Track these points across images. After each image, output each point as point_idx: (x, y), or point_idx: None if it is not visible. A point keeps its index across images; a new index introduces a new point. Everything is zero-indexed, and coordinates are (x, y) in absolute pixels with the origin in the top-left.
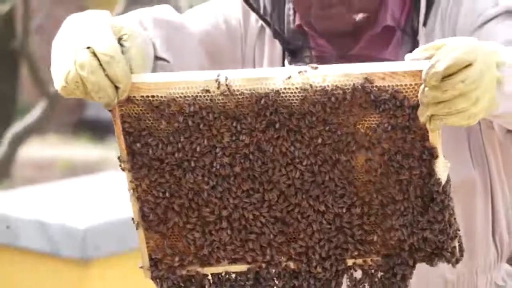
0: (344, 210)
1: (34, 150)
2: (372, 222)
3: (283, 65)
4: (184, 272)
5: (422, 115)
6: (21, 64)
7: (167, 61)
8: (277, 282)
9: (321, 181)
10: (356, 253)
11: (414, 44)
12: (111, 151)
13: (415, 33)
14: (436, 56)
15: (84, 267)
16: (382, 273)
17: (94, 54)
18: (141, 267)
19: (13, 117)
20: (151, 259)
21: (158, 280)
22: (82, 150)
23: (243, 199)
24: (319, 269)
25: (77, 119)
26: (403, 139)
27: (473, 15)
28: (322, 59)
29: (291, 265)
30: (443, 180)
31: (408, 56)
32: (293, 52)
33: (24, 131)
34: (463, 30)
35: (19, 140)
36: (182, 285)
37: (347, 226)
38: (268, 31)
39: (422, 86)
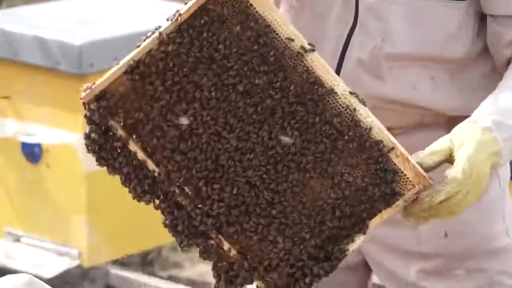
0: (264, 201)
1: None
2: (270, 227)
3: None
4: (112, 123)
5: (411, 215)
6: None
7: None
8: (163, 200)
9: (279, 170)
10: (233, 230)
11: None
12: None
13: None
14: (448, 184)
15: (80, 81)
16: (226, 268)
17: None
18: (90, 87)
19: None
20: (106, 92)
21: (89, 109)
22: None
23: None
24: (198, 218)
25: None
26: (362, 202)
27: None
28: None
29: (180, 196)
30: (348, 251)
31: (416, 155)
32: None
33: None
34: None
35: None
36: (102, 131)
37: (251, 212)
38: None
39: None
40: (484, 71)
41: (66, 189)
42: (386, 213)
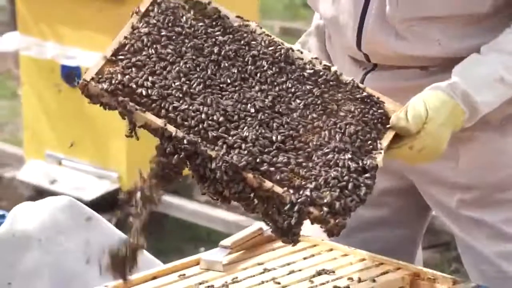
0: (284, 136)
1: None
2: (298, 156)
3: None
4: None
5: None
6: None
7: None
8: (195, 158)
9: (279, 111)
10: (264, 168)
11: None
12: None
13: None
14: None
15: (119, 5)
16: (277, 206)
17: None
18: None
19: None
20: (103, 72)
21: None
22: None
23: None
24: (235, 158)
25: None
26: (366, 123)
27: None
28: None
29: (207, 148)
30: (377, 163)
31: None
32: None
33: None
34: None
35: None
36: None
37: (277, 149)
38: None
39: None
40: None
41: (106, 112)
42: (390, 133)
